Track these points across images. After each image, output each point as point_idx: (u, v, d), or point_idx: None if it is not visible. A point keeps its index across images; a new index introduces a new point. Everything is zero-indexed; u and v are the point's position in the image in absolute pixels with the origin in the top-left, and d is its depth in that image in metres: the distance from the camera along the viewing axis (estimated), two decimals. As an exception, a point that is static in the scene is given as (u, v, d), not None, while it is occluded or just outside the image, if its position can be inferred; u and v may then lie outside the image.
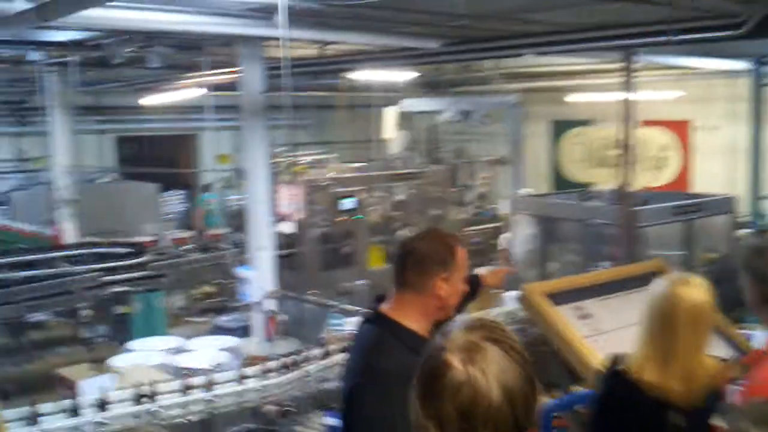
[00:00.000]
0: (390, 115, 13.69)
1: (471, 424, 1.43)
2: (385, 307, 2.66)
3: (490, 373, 1.44)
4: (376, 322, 2.65)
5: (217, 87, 10.71)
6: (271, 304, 7.85)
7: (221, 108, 10.74)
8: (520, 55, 9.36)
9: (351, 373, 2.69)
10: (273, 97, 8.12)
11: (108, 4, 5.29)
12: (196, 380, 5.33)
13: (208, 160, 16.29)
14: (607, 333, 3.86)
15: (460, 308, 3.29)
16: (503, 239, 10.85)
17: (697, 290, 2.82)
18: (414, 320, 2.58)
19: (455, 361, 1.46)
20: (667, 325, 2.81)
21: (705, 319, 2.80)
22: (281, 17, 4.57)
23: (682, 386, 2.79)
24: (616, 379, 2.93)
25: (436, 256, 2.58)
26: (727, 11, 6.12)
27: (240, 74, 8.36)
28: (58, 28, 7.15)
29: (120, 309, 8.24)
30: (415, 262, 2.60)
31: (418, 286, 2.58)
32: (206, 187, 14.96)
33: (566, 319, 3.83)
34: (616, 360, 3.02)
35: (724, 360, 3.08)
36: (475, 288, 3.41)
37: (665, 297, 2.84)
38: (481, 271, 3.66)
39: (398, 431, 2.28)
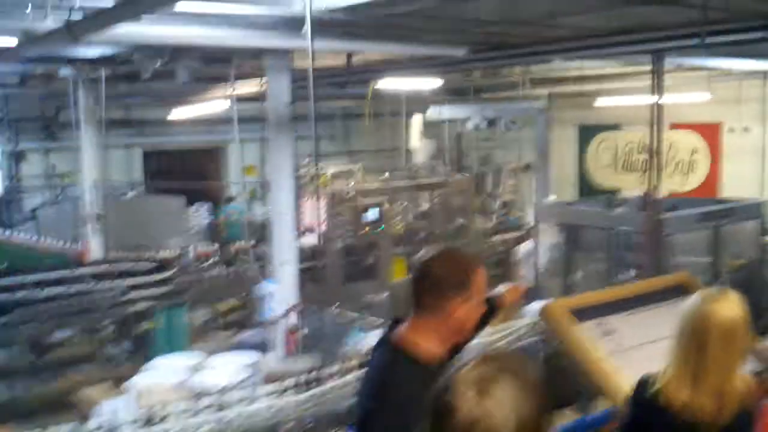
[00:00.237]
0: (416, 124, 13.67)
1: None
2: (401, 331, 2.60)
3: (505, 407, 1.42)
4: (392, 346, 2.60)
5: (244, 99, 10.75)
6: (292, 319, 7.82)
7: (247, 119, 10.77)
8: (548, 60, 9.26)
9: (365, 398, 2.64)
10: (299, 107, 8.13)
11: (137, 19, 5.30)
12: (213, 399, 5.33)
13: (234, 172, 16.35)
14: (630, 349, 3.77)
15: (478, 329, 3.24)
16: (521, 250, 10.74)
17: (731, 306, 2.75)
18: (431, 344, 2.52)
19: (469, 395, 1.44)
20: (698, 342, 2.74)
21: (738, 335, 2.73)
22: (308, 29, 4.54)
23: (713, 405, 2.72)
24: (646, 400, 2.87)
25: (454, 278, 2.51)
26: (760, 11, 5.98)
27: (267, 85, 8.37)
28: (89, 44, 7.21)
29: (143, 325, 8.27)
30: (431, 285, 2.54)
31: (435, 309, 2.52)
32: (230, 199, 15.02)
33: (588, 335, 3.74)
34: (645, 381, 2.96)
35: (757, 375, 2.98)
36: (492, 308, 3.34)
37: (697, 313, 2.78)
38: (499, 289, 3.57)
39: None
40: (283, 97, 8.25)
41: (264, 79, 8.57)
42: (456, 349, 2.66)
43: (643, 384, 2.95)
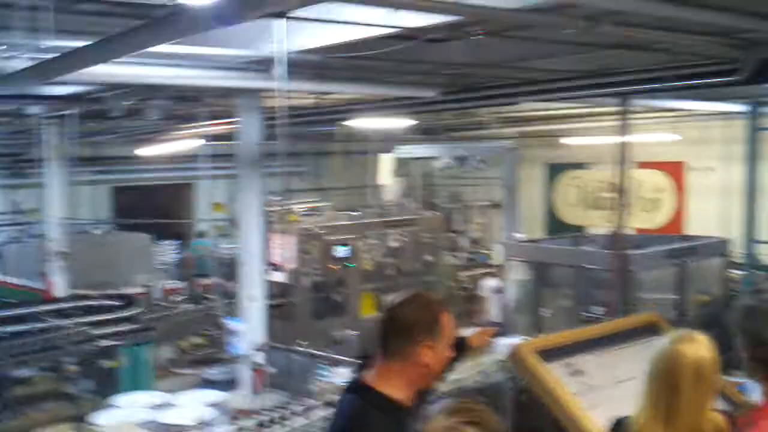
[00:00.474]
0: (386, 162, 13.74)
1: None
2: (368, 376, 2.58)
3: None
4: (359, 392, 2.57)
5: (215, 137, 10.74)
6: (259, 357, 7.74)
7: (217, 156, 10.76)
8: (517, 102, 9.39)
9: None
10: (269, 145, 8.14)
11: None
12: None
13: (203, 208, 16.29)
14: (598, 389, 3.76)
15: (445, 372, 3.23)
16: (485, 287, 10.76)
17: (700, 346, 2.77)
18: (397, 389, 2.49)
19: None
20: (670, 383, 2.76)
21: (708, 375, 2.74)
22: (279, 70, 4.57)
23: None
24: None
25: (421, 323, 2.49)
26: (724, 56, 6.10)
27: (237, 125, 8.38)
28: (59, 83, 7.17)
29: (107, 363, 8.13)
30: (399, 330, 2.52)
31: (404, 354, 2.50)
32: (200, 235, 14.93)
33: (556, 376, 3.72)
34: (620, 423, 2.95)
35: (725, 413, 2.99)
36: (460, 351, 3.33)
37: (667, 354, 2.80)
38: (467, 332, 3.55)
39: None
40: (253, 136, 8.26)
41: (234, 118, 8.57)
42: (425, 392, 2.64)
43: (617, 426, 2.95)
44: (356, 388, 2.61)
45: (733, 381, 3.43)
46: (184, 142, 11.55)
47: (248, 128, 8.27)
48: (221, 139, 10.42)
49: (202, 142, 10.85)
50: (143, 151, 13.07)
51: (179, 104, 9.03)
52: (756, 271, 7.69)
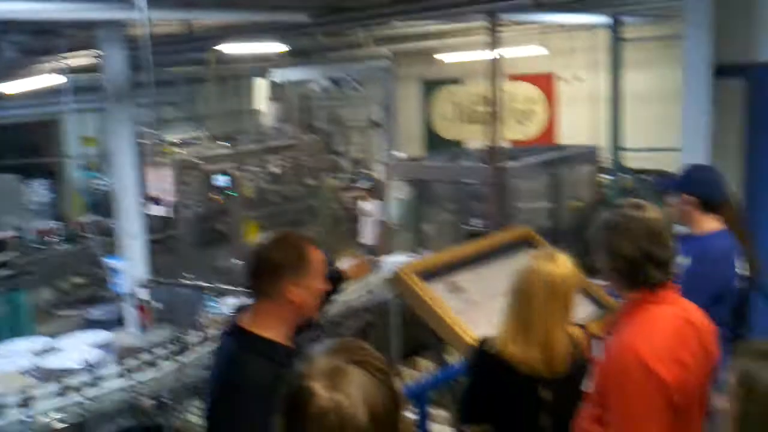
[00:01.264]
0: (261, 87, 13.49)
1: None
2: (243, 318, 2.58)
3: (356, 398, 1.42)
4: (237, 334, 2.57)
5: (79, 70, 10.23)
6: (143, 293, 7.61)
7: (83, 90, 10.25)
8: (387, 23, 9.37)
9: (210, 389, 2.61)
10: (137, 75, 7.86)
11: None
12: (66, 382, 5.14)
13: (74, 144, 15.63)
14: (478, 304, 3.89)
15: (324, 304, 3.26)
16: (362, 207, 10.80)
17: (557, 265, 2.91)
18: (272, 329, 2.50)
19: (319, 388, 1.43)
20: (524, 298, 2.90)
21: (561, 292, 2.88)
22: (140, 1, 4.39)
23: (542, 357, 2.87)
24: (485, 357, 2.99)
25: (287, 262, 2.50)
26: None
27: (101, 57, 8.06)
28: None
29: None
30: (265, 270, 2.53)
31: (272, 294, 2.50)
32: (77, 172, 14.37)
33: (438, 294, 3.82)
34: (485, 338, 3.07)
35: (581, 326, 3.15)
36: (337, 283, 3.37)
37: (524, 271, 2.94)
38: (344, 263, 3.58)
39: None
40: (119, 68, 8.00)
41: (97, 50, 8.22)
42: (304, 328, 2.67)
43: (483, 341, 3.08)
44: (232, 330, 2.62)
45: (602, 284, 3.61)
46: (46, 77, 10.95)
47: (113, 59, 8.01)
48: (86, 71, 9.95)
49: (65, 76, 10.33)
50: (2, 88, 12.31)
51: (38, 38, 8.58)
52: (622, 174, 8.08)
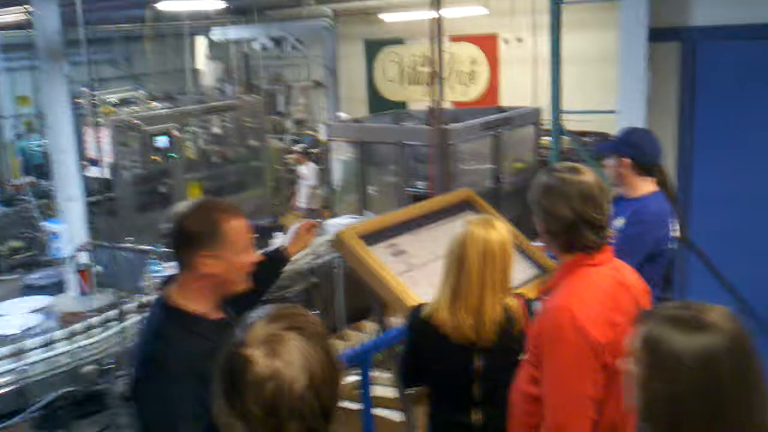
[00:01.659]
0: (200, 45, 13.26)
1: (278, 418, 1.43)
2: (169, 289, 2.47)
3: (295, 364, 1.43)
4: (159, 307, 2.47)
5: (10, 26, 9.92)
6: (83, 257, 7.50)
7: (16, 47, 9.97)
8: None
9: (135, 363, 2.50)
10: (72, 32, 7.64)
11: None
12: (5, 349, 5.07)
13: (7, 104, 15.18)
14: (420, 267, 3.91)
15: (268, 282, 3.17)
16: (301, 170, 10.69)
17: (492, 231, 2.89)
18: (194, 301, 2.40)
19: (258, 355, 1.44)
20: (459, 265, 2.89)
21: (496, 258, 2.87)
22: None
23: (474, 324, 2.87)
24: (420, 322, 2.99)
25: (200, 233, 2.36)
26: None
27: (32, 13, 7.79)
28: None
29: None
30: (181, 241, 2.40)
31: (190, 265, 2.40)
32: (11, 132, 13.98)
33: (380, 258, 3.84)
34: (420, 305, 3.09)
35: (519, 294, 3.14)
36: (282, 259, 3.27)
37: (460, 236, 2.92)
38: (289, 233, 3.50)
39: (183, 420, 2.21)
40: (51, 23, 7.73)
41: (29, 5, 7.96)
42: (246, 300, 2.52)
43: (418, 306, 3.09)
44: (157, 302, 2.54)
45: (541, 245, 3.67)
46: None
47: (45, 15, 7.74)
48: (17, 28, 9.66)
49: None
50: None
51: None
52: (562, 136, 8.18)
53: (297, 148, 11.44)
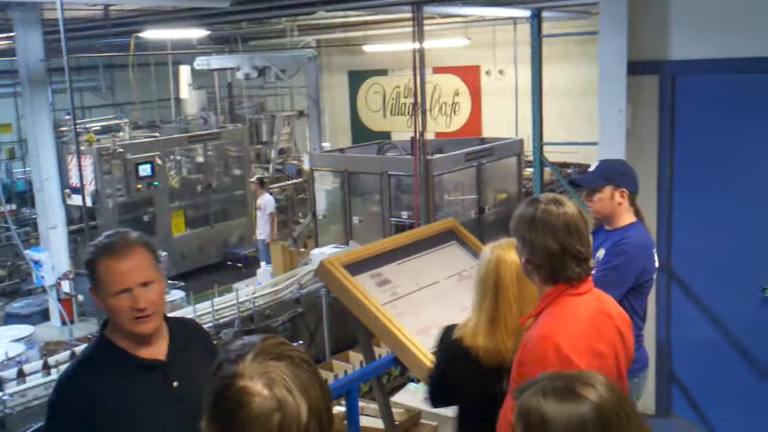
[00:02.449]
0: (184, 74, 13.29)
1: None
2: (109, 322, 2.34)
3: (295, 393, 1.40)
4: (97, 336, 2.34)
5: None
6: (66, 286, 7.47)
7: (-1, 74, 9.96)
8: (311, 12, 9.32)
9: None
10: (55, 59, 7.68)
11: None
12: (-13, 378, 5.04)
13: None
14: (404, 297, 3.91)
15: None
16: (261, 202, 10.31)
17: (516, 253, 2.77)
18: (120, 337, 2.24)
19: (257, 387, 1.39)
20: (496, 290, 2.88)
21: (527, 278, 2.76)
22: None
23: (512, 345, 2.83)
24: (451, 347, 2.98)
25: (85, 267, 2.23)
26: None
27: (15, 39, 7.84)
28: None
29: None
30: None
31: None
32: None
33: (365, 287, 3.83)
34: (450, 327, 3.07)
35: None
36: None
37: (490, 260, 2.90)
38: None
39: None
40: (34, 51, 7.79)
41: (11, 32, 8.00)
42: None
43: (449, 329, 3.08)
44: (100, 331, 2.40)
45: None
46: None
47: (28, 43, 7.80)
48: (0, 55, 9.67)
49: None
50: None
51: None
52: (543, 167, 8.26)
53: (253, 179, 11.01)
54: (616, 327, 2.56)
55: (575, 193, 4.95)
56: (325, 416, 1.45)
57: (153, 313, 2.21)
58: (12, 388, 4.98)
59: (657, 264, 3.67)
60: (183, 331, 2.40)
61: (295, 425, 1.39)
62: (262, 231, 10.34)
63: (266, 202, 10.31)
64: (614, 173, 3.69)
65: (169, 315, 2.49)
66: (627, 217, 3.65)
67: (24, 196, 11.98)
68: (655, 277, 3.64)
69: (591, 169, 3.76)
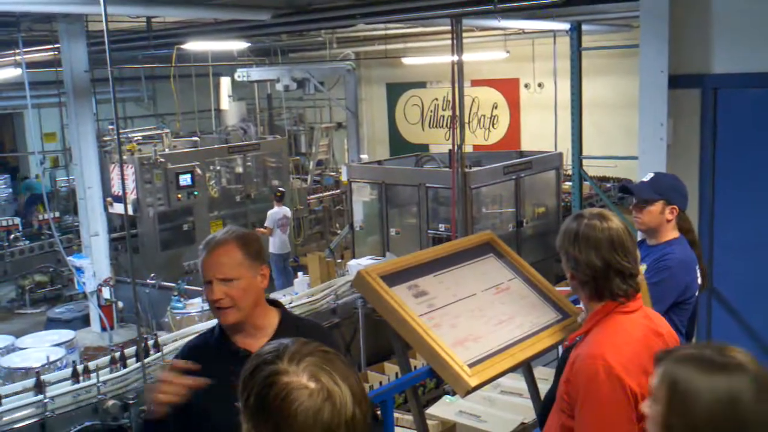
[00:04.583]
0: (224, 85, 13.45)
1: None
2: None
3: (339, 381, 1.41)
4: None
5: (38, 63, 10.11)
6: (106, 292, 7.59)
7: (42, 84, 10.14)
8: (352, 24, 9.39)
9: None
10: (99, 70, 7.82)
11: None
12: (28, 382, 5.12)
13: (34, 140, 15.41)
14: (441, 308, 3.90)
15: None
16: (270, 215, 10.19)
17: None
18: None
19: (303, 380, 1.40)
20: None
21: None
22: None
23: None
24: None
25: None
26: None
27: (60, 51, 8.00)
28: None
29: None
30: None
31: None
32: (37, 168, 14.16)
33: (401, 299, 3.82)
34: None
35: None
36: None
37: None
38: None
39: None
40: (79, 62, 7.94)
41: (57, 44, 8.16)
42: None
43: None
44: None
45: (564, 290, 3.65)
46: (4, 71, 10.80)
47: (73, 54, 7.96)
48: (47, 65, 9.85)
49: (23, 69, 10.22)
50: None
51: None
52: (583, 181, 8.21)
53: (278, 192, 10.84)
54: (667, 346, 2.47)
55: (615, 207, 4.91)
56: (365, 403, 1.46)
57: (231, 306, 2.37)
58: (55, 390, 5.06)
59: (700, 281, 3.61)
60: (298, 330, 2.49)
61: (344, 414, 1.40)
62: (275, 244, 10.20)
63: (270, 214, 10.21)
64: (668, 189, 3.60)
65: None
66: (671, 233, 3.60)
67: (67, 204, 12.18)
68: (697, 294, 3.58)
69: (645, 179, 3.69)
